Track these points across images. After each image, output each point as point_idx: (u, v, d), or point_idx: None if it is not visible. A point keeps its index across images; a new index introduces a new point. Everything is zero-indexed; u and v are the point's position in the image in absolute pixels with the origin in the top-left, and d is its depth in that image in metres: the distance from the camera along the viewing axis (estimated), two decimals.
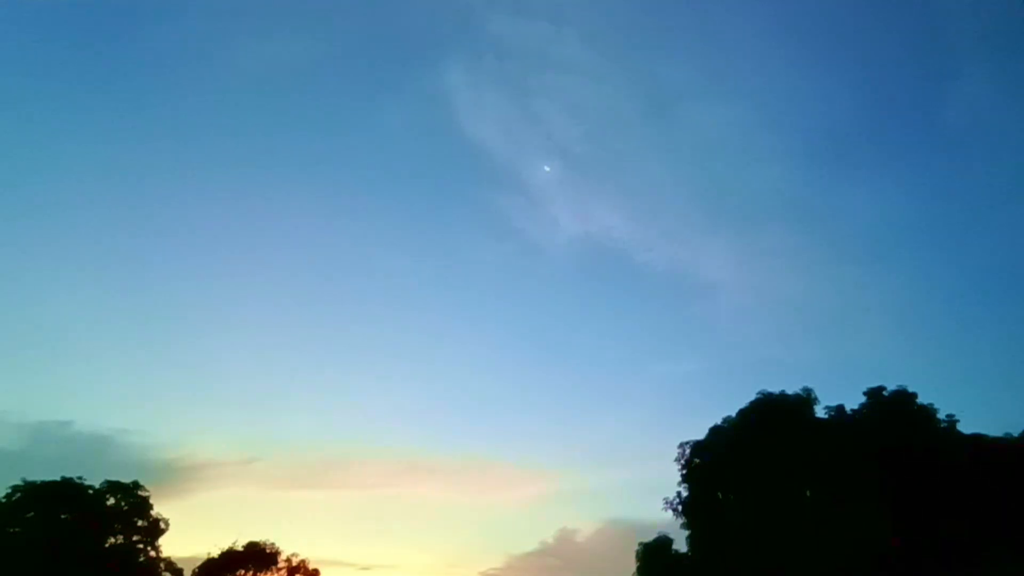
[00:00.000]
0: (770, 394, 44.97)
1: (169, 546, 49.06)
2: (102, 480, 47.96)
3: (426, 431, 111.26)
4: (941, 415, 42.58)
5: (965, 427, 42.19)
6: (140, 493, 48.48)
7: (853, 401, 44.47)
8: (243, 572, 52.05)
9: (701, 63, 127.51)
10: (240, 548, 52.03)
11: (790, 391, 45.01)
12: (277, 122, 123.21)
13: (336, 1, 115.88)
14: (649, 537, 48.60)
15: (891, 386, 43.92)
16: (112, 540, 47.11)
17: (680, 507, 45.38)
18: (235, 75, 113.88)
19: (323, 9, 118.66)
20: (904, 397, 43.21)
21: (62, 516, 45.22)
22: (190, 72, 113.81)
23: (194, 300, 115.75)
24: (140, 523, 48.12)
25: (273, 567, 52.85)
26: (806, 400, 44.74)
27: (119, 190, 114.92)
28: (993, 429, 41.56)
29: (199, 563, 50.97)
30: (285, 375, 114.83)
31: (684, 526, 45.61)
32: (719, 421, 45.63)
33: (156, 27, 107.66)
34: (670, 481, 46.48)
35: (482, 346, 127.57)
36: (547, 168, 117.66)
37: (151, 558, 47.95)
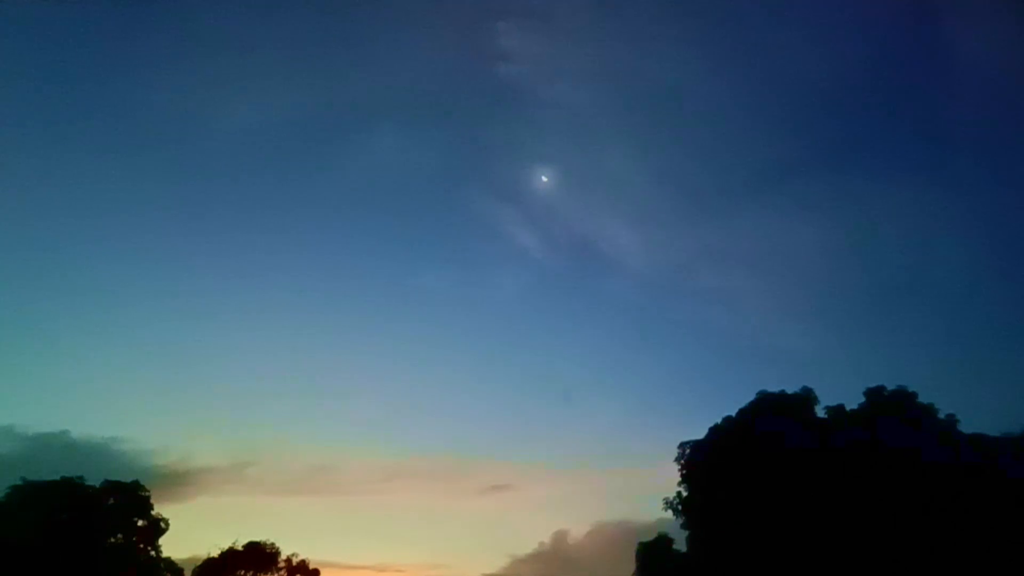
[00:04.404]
0: (770, 394, 45.12)
1: (165, 550, 49.08)
2: (102, 480, 48.01)
3: (421, 433, 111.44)
4: (941, 415, 42.68)
5: (965, 427, 42.29)
6: (140, 493, 48.48)
7: (853, 401, 44.64)
8: (243, 572, 52.09)
9: (700, 64, 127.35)
10: (240, 548, 52.12)
11: (790, 391, 45.21)
12: (278, 133, 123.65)
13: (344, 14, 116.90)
14: (647, 537, 48.72)
15: (891, 386, 44.10)
16: (112, 540, 47.12)
17: (680, 507, 45.54)
18: (250, 101, 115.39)
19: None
20: (904, 397, 43.26)
21: (62, 516, 45.19)
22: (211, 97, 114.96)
23: (184, 308, 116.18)
24: (140, 523, 48.11)
25: (273, 567, 52.90)
26: (806, 400, 44.88)
27: (110, 208, 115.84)
28: (993, 429, 41.61)
29: (197, 563, 51.01)
30: (275, 380, 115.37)
31: (683, 526, 45.75)
32: (719, 421, 45.77)
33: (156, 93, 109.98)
34: (668, 482, 46.74)
35: (479, 348, 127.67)
36: (544, 178, 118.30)
37: (151, 558, 47.95)
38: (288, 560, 53.37)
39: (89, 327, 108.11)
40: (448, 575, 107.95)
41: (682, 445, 46.57)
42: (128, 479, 48.85)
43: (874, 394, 43.97)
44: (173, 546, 49.92)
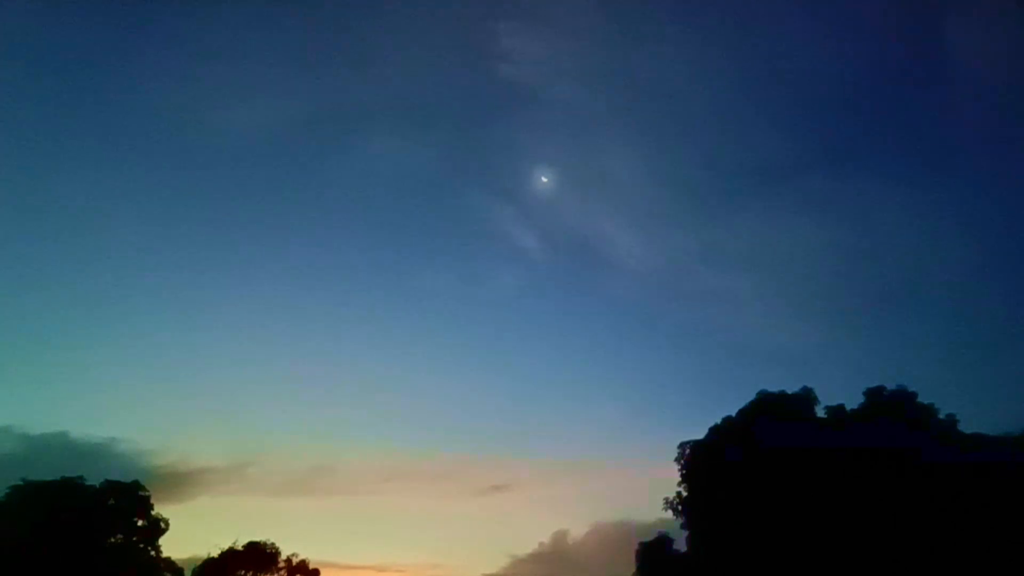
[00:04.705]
0: (770, 394, 45.20)
1: (165, 550, 49.04)
2: (102, 480, 48.04)
3: (421, 433, 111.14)
4: (941, 415, 42.73)
5: (965, 427, 42.34)
6: (140, 493, 48.49)
7: (853, 401, 44.69)
8: (243, 572, 52.12)
9: (701, 64, 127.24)
10: (240, 548, 52.15)
11: (790, 391, 45.27)
12: (278, 135, 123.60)
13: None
14: (647, 537, 48.81)
15: (891, 386, 44.15)
16: (112, 540, 47.14)
17: (680, 507, 45.66)
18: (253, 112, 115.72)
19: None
20: (904, 397, 43.31)
21: (62, 516, 45.20)
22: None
23: (184, 309, 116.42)
24: (140, 523, 48.11)
25: (273, 567, 52.94)
26: (806, 400, 44.96)
27: (109, 210, 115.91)
28: (993, 429, 41.66)
29: (197, 564, 51.04)
30: (274, 380, 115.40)
31: (683, 526, 45.86)
32: (719, 421, 45.84)
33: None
34: (668, 482, 46.87)
35: (479, 348, 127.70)
36: (544, 178, 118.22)
37: (151, 558, 47.97)
38: (288, 560, 53.36)
39: (88, 328, 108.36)
40: (448, 575, 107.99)
41: (682, 445, 46.72)
42: (128, 479, 48.95)
43: (874, 394, 44.02)
44: (173, 546, 49.95)
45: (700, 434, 46.46)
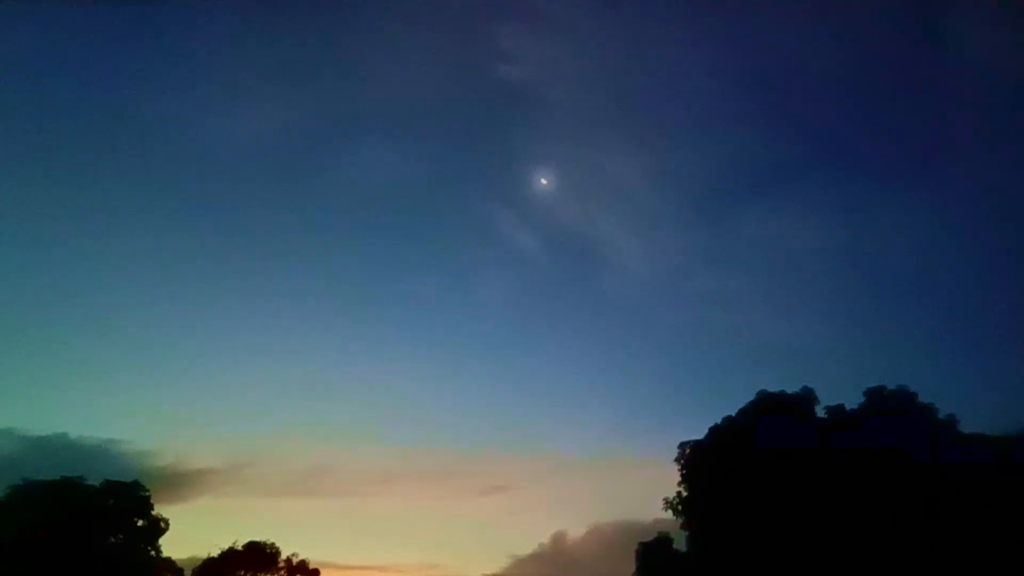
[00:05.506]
0: (770, 394, 45.14)
1: (165, 550, 49.21)
2: (102, 480, 48.07)
3: (421, 433, 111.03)
4: (941, 415, 42.68)
5: (965, 427, 42.28)
6: (140, 493, 48.56)
7: (853, 401, 44.61)
8: (243, 572, 52.21)
9: (701, 65, 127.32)
10: (240, 548, 52.23)
11: (790, 391, 45.22)
12: (277, 139, 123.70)
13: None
14: (647, 537, 48.84)
15: (891, 386, 44.07)
16: (112, 540, 47.18)
17: (680, 507, 45.67)
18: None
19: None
20: (904, 397, 43.25)
21: (62, 516, 45.23)
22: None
23: (182, 311, 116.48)
24: (140, 523, 48.20)
25: (273, 567, 53.03)
26: (806, 400, 44.88)
27: (109, 212, 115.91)
28: (993, 429, 41.59)
29: (197, 564, 51.10)
30: (273, 382, 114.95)
31: (683, 526, 45.87)
32: (719, 421, 45.84)
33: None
34: (668, 482, 46.82)
35: (478, 349, 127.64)
36: (543, 180, 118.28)
37: (151, 558, 48.02)
38: (288, 560, 53.51)
39: (88, 329, 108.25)
40: (448, 575, 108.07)
41: (682, 445, 46.68)
42: (128, 479, 48.96)
43: (874, 394, 43.91)
44: (173, 546, 50.05)
45: (700, 434, 46.44)
